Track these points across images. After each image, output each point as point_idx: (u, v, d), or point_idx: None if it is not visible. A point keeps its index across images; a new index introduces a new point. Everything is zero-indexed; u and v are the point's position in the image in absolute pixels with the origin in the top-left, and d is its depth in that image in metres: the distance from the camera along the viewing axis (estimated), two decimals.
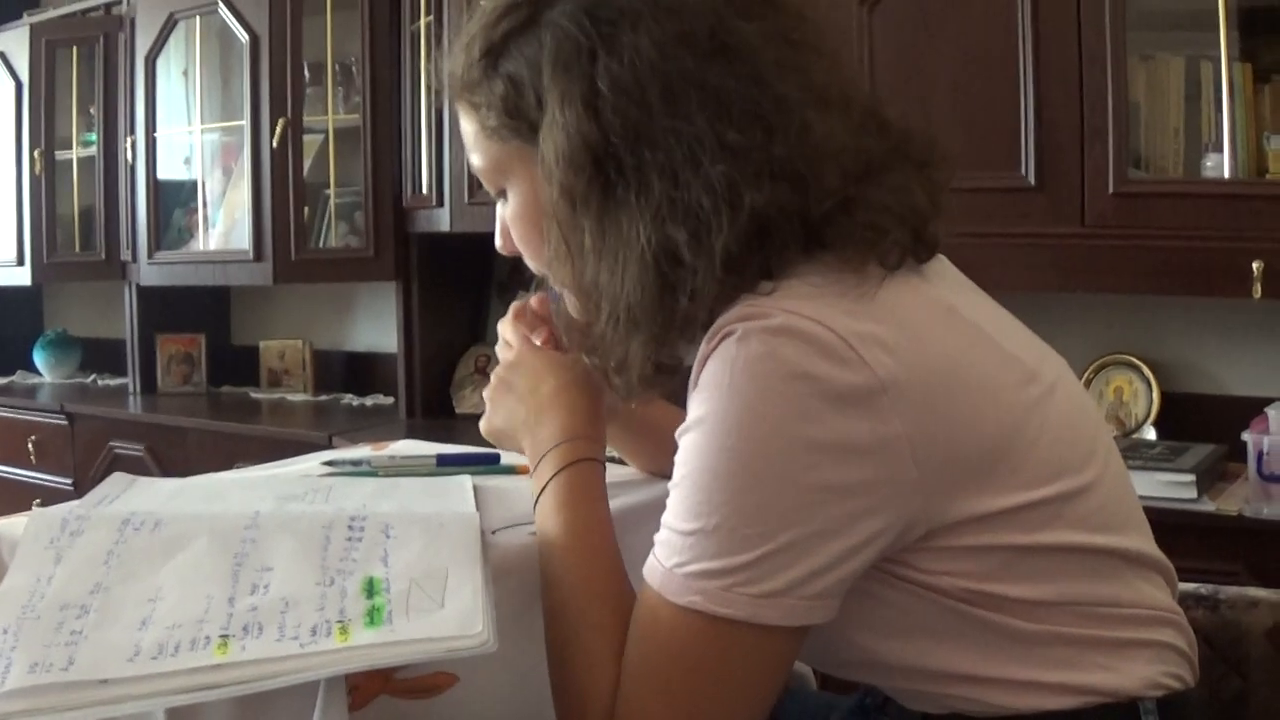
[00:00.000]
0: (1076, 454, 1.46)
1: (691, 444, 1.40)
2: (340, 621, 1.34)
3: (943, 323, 1.44)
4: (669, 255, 1.42)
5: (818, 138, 1.43)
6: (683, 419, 1.43)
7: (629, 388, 1.52)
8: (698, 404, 1.40)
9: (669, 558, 1.39)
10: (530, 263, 1.65)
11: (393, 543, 1.49)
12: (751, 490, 1.34)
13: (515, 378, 1.73)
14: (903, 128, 1.54)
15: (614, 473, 1.85)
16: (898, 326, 1.37)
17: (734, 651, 1.37)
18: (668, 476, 1.44)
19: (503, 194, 1.64)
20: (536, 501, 1.61)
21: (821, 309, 1.35)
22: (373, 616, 1.35)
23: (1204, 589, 1.82)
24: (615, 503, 1.65)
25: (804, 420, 1.32)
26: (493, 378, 1.76)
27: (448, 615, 1.36)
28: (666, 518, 1.41)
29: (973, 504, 1.38)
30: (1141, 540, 1.51)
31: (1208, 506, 3.07)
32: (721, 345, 1.37)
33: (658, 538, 1.42)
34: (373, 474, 1.95)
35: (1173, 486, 3.09)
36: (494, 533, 1.60)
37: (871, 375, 1.32)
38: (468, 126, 1.62)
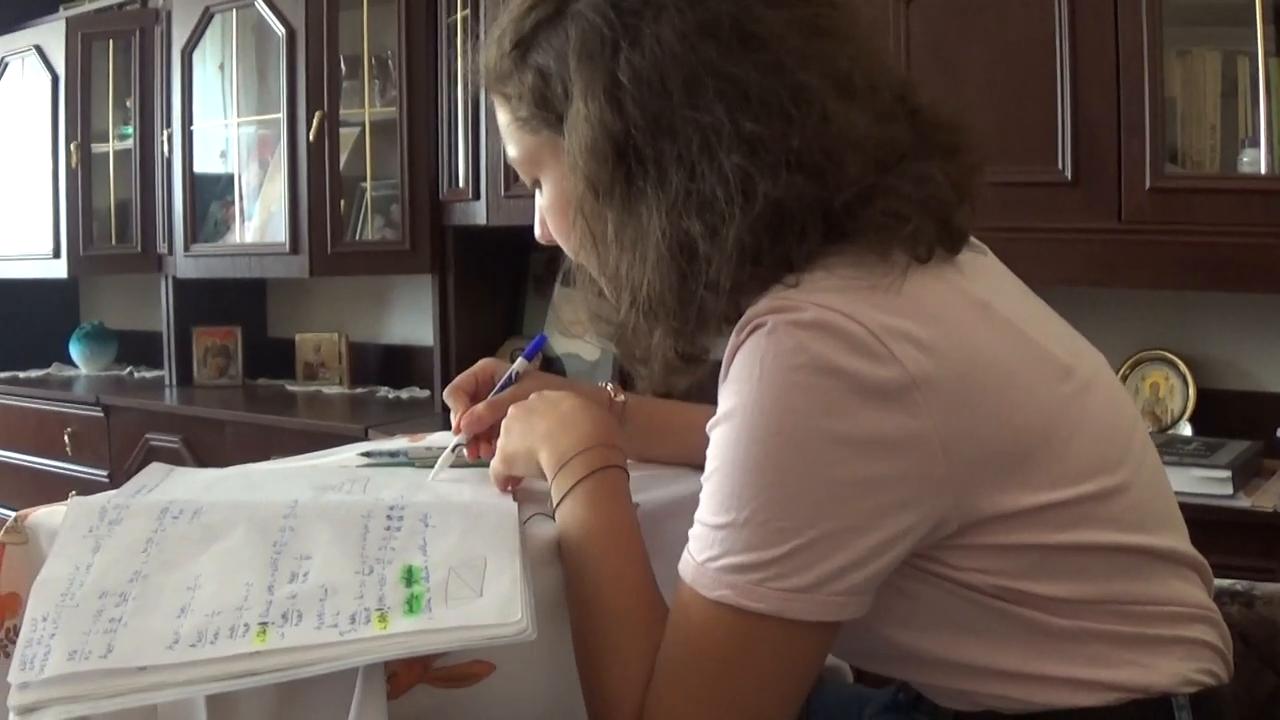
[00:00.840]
0: (1111, 452, 1.45)
1: (722, 438, 1.40)
2: (379, 609, 1.35)
3: (975, 318, 1.43)
4: (684, 247, 1.43)
5: (838, 127, 1.42)
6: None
7: (653, 377, 1.53)
8: (727, 397, 1.40)
9: (700, 552, 1.39)
10: (568, 252, 1.66)
11: (431, 532, 1.50)
12: (781, 484, 1.34)
13: (534, 403, 1.73)
14: (933, 115, 1.54)
15: (642, 467, 1.85)
16: (929, 321, 1.37)
17: (764, 646, 1.37)
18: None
19: (538, 184, 1.65)
20: (559, 503, 1.61)
21: (852, 303, 1.35)
22: (412, 605, 1.36)
23: (1239, 585, 1.82)
24: (643, 496, 1.65)
25: (833, 414, 1.32)
26: (510, 411, 1.76)
27: (487, 604, 1.37)
28: (699, 512, 1.42)
29: (1004, 500, 1.37)
30: (1176, 538, 1.51)
31: (1243, 503, 3.05)
32: (751, 338, 1.38)
33: (691, 532, 1.43)
34: (410, 465, 1.96)
35: (1208, 483, 3.08)
36: (525, 521, 1.61)
37: (902, 370, 1.32)
38: (502, 117, 1.63)
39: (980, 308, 1.45)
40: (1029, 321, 1.50)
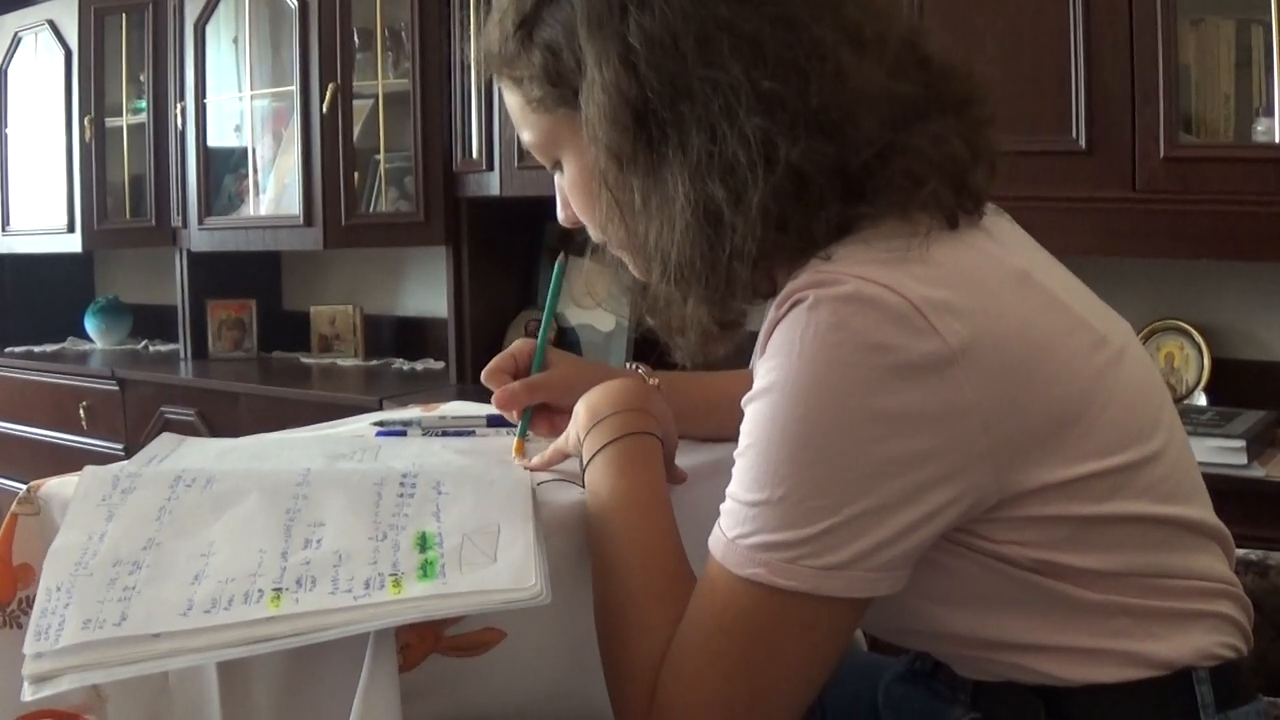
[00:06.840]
0: (1144, 422, 1.44)
1: (759, 413, 1.37)
2: (394, 574, 1.35)
3: (1014, 288, 1.40)
4: (709, 213, 1.40)
5: (854, 84, 1.40)
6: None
7: (690, 346, 1.52)
8: (765, 372, 1.37)
9: (732, 529, 1.37)
10: (592, 232, 1.64)
11: (445, 498, 1.50)
12: (819, 462, 1.32)
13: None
14: (942, 64, 1.51)
15: None
16: (969, 292, 1.35)
17: (794, 623, 1.35)
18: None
19: (558, 165, 1.63)
20: (589, 461, 1.60)
21: (892, 274, 1.32)
22: (426, 570, 1.36)
23: (1253, 555, 1.82)
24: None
25: (874, 391, 1.30)
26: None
27: (500, 569, 1.37)
28: (731, 488, 1.39)
29: (1042, 473, 1.36)
30: (1203, 510, 1.49)
31: (1258, 472, 3.06)
32: (791, 312, 1.35)
33: (722, 508, 1.40)
34: (422, 435, 1.95)
35: (1223, 452, 3.08)
36: (540, 484, 1.61)
37: (943, 343, 1.30)
38: (513, 102, 1.60)
39: (1019, 277, 1.42)
40: (1064, 289, 1.48)
